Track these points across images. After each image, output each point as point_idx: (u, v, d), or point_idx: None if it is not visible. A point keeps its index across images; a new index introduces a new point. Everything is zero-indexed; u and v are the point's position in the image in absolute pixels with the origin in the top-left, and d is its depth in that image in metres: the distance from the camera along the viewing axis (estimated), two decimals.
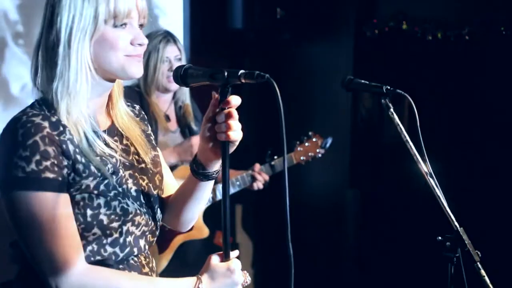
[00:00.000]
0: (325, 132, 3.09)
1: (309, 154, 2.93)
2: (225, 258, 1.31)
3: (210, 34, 3.46)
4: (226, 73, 1.25)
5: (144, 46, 1.33)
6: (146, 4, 1.36)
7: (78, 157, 1.28)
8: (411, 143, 1.84)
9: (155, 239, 1.46)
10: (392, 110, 1.92)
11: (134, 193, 1.37)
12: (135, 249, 1.37)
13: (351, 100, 3.77)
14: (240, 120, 1.30)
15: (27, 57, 2.37)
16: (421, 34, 3.58)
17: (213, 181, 1.47)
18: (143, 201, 1.39)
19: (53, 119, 1.27)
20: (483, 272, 1.64)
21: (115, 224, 1.31)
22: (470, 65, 3.53)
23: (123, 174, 1.35)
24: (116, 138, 1.40)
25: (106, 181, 1.30)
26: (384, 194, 3.80)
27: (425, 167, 1.79)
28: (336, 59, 3.72)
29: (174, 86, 2.73)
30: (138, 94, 2.71)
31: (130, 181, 1.37)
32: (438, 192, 1.76)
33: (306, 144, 2.94)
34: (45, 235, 1.24)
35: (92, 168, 1.29)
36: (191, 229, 2.77)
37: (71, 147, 1.27)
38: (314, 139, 2.95)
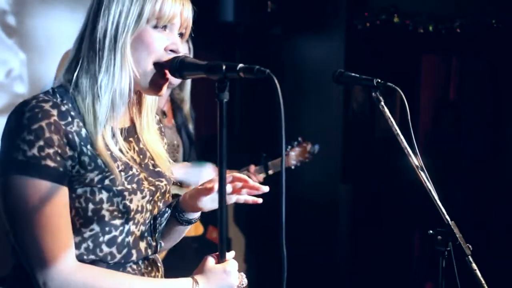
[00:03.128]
0: (317, 126, 3.08)
1: (299, 159, 3.00)
2: (221, 259, 1.28)
3: (201, 27, 3.43)
4: (224, 67, 1.22)
5: (176, 54, 1.30)
6: (191, 15, 1.33)
7: (84, 149, 1.24)
8: (402, 137, 1.83)
9: (158, 244, 1.41)
10: (382, 103, 1.91)
11: (147, 192, 1.33)
12: (134, 251, 1.31)
13: (343, 94, 3.77)
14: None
15: (13, 42, 2.35)
16: (412, 27, 3.58)
17: (188, 227, 1.50)
18: (156, 199, 1.37)
19: (63, 108, 1.23)
20: (474, 265, 1.63)
21: (117, 222, 1.27)
22: (462, 57, 3.53)
23: (136, 173, 1.32)
24: (131, 139, 1.37)
25: (112, 177, 1.25)
26: (377, 188, 3.80)
27: (416, 161, 1.78)
28: (327, 52, 3.71)
29: (176, 81, 2.75)
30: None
31: (145, 182, 1.34)
32: (429, 185, 1.75)
33: (297, 149, 3.00)
34: (35, 226, 1.19)
35: (99, 161, 1.24)
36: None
37: (77, 139, 1.23)
38: (304, 145, 3.01)
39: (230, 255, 1.30)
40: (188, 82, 2.78)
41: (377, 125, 3.82)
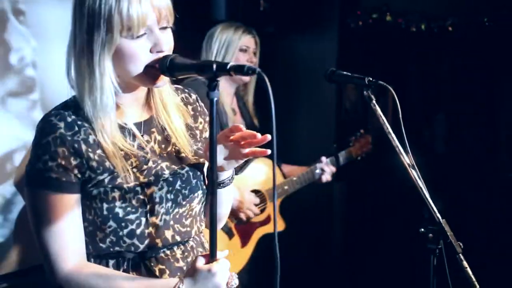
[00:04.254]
0: (310, 124, 3.08)
1: (364, 149, 3.07)
2: (211, 258, 1.28)
3: (194, 26, 3.43)
4: (215, 66, 1.22)
5: (165, 52, 1.29)
6: (166, 3, 1.30)
7: (91, 155, 1.31)
8: (393, 135, 1.84)
9: (194, 229, 1.44)
10: (374, 101, 1.91)
11: (164, 183, 1.37)
12: (158, 240, 1.37)
13: (336, 93, 3.77)
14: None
15: (25, 28, 2.36)
16: (405, 25, 3.59)
17: (228, 188, 1.48)
18: (178, 188, 1.39)
19: (69, 119, 1.31)
20: (465, 263, 1.64)
21: (132, 216, 1.33)
22: (454, 56, 3.54)
23: (153, 165, 1.36)
24: (153, 129, 1.40)
25: (123, 175, 1.32)
26: (370, 186, 3.81)
27: (407, 159, 1.78)
28: (320, 51, 3.71)
29: (247, 78, 2.73)
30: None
31: (166, 171, 1.37)
32: (421, 183, 1.76)
33: (361, 139, 3.07)
34: (41, 231, 1.32)
35: (107, 164, 1.31)
36: (269, 221, 2.79)
37: (83, 147, 1.30)
38: (366, 135, 3.09)
39: (222, 254, 1.30)
40: (253, 79, 2.77)
41: (370, 123, 3.82)
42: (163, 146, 1.41)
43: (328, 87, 3.53)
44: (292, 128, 3.72)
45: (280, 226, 2.87)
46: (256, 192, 2.77)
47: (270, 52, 3.83)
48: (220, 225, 1.60)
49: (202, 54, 2.77)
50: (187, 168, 1.42)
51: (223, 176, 1.45)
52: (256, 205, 2.71)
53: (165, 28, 1.31)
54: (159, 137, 1.41)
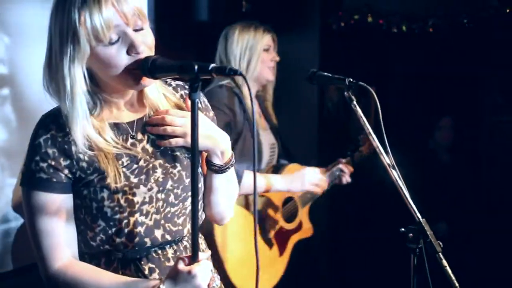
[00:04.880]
0: (292, 125, 3.08)
1: (372, 147, 3.03)
2: (192, 260, 1.28)
3: (176, 26, 3.42)
4: (196, 67, 1.22)
5: (143, 53, 1.29)
6: (134, 2, 1.29)
7: (81, 156, 1.34)
8: (373, 136, 1.85)
9: (186, 228, 1.43)
10: (355, 102, 1.92)
11: (153, 184, 1.38)
12: (147, 240, 1.38)
13: (318, 94, 3.78)
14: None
15: None
16: (386, 26, 3.61)
17: (228, 175, 1.48)
18: (169, 187, 1.39)
19: (61, 121, 1.34)
20: (444, 262, 1.66)
21: (119, 216, 1.35)
22: (434, 56, 3.57)
23: (144, 164, 1.37)
24: (147, 128, 1.41)
25: (112, 174, 1.33)
26: (353, 187, 3.82)
27: (387, 159, 1.80)
28: (302, 52, 3.72)
29: (272, 77, 2.70)
30: (235, 94, 2.55)
31: (158, 170, 1.39)
32: (401, 183, 1.77)
33: (369, 139, 3.04)
34: (32, 229, 1.36)
35: (96, 164, 1.33)
36: (301, 228, 2.76)
37: (73, 148, 1.33)
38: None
39: (204, 255, 1.30)
40: (274, 76, 2.73)
41: (352, 124, 3.84)
42: (156, 144, 1.41)
43: (310, 88, 3.54)
44: None
45: (309, 231, 2.85)
46: (288, 199, 2.73)
47: None
48: (224, 217, 1.57)
49: (219, 57, 2.68)
50: (179, 168, 1.42)
51: (217, 160, 1.44)
52: (289, 218, 2.68)
53: (140, 29, 1.31)
54: (152, 136, 1.41)
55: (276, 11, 3.77)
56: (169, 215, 1.41)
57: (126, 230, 1.36)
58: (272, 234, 2.64)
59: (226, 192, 1.52)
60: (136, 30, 1.30)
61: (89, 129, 1.33)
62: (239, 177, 2.31)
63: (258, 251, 1.18)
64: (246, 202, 2.54)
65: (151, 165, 1.38)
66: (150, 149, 1.40)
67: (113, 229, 1.36)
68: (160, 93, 1.43)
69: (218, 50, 2.69)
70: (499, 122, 3.79)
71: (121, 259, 1.40)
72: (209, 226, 2.38)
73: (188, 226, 1.45)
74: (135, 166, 1.37)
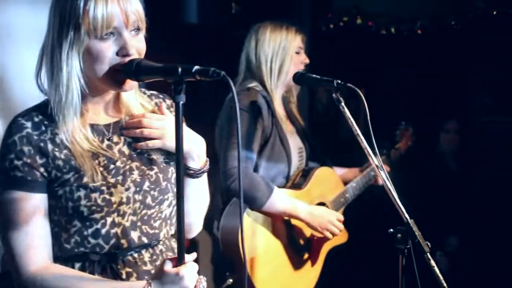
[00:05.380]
0: None
1: (409, 142, 2.98)
2: (178, 262, 1.28)
3: (165, 29, 3.42)
4: (180, 69, 1.23)
5: (131, 57, 1.30)
6: (137, 7, 1.31)
7: (57, 154, 1.32)
8: (362, 137, 1.86)
9: (163, 232, 1.43)
10: (343, 104, 1.94)
11: (131, 183, 1.37)
12: (124, 241, 1.36)
13: (308, 96, 3.79)
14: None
15: None
16: (375, 28, 3.63)
17: (202, 181, 1.47)
18: (146, 189, 1.39)
19: (36, 119, 1.33)
20: (432, 262, 1.67)
21: (96, 216, 1.32)
22: (423, 58, 3.59)
23: (121, 165, 1.37)
24: (122, 131, 1.41)
25: (89, 174, 1.32)
26: None
27: (375, 160, 1.81)
28: None
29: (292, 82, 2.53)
30: (263, 97, 2.43)
31: (135, 172, 1.38)
32: (389, 184, 1.78)
33: (405, 133, 2.97)
34: (6, 231, 1.31)
35: (73, 162, 1.31)
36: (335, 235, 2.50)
37: (50, 146, 1.31)
38: (408, 127, 2.98)
39: (190, 257, 1.30)
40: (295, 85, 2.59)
41: (342, 126, 3.86)
42: (133, 147, 1.41)
43: (300, 90, 3.55)
44: None
45: (344, 237, 2.68)
46: (320, 205, 2.55)
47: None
48: (193, 229, 1.56)
49: (246, 57, 2.56)
50: (156, 170, 1.42)
51: (191, 164, 1.44)
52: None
53: (136, 33, 1.32)
54: (129, 139, 1.41)
55: (266, 13, 3.77)
56: (145, 217, 1.40)
57: (102, 231, 1.34)
58: (302, 242, 2.49)
59: (198, 200, 1.51)
60: (132, 32, 1.31)
61: (76, 124, 1.33)
62: (270, 191, 2.26)
63: (246, 256, 1.18)
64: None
65: (128, 166, 1.38)
66: (126, 151, 1.40)
67: (89, 230, 1.33)
68: (137, 101, 1.44)
69: (245, 49, 2.57)
70: (487, 122, 3.81)
71: (97, 263, 1.37)
72: (235, 237, 2.27)
73: (164, 230, 1.44)
74: (112, 166, 1.36)
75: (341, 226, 2.44)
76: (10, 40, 2.34)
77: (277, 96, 2.51)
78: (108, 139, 1.39)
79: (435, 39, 3.51)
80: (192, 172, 1.44)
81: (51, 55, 1.31)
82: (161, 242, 1.45)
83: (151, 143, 1.40)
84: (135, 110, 1.43)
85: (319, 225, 2.38)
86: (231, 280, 1.34)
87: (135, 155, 1.40)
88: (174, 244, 1.51)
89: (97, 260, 1.36)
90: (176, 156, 1.23)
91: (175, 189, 1.46)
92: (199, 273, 1.34)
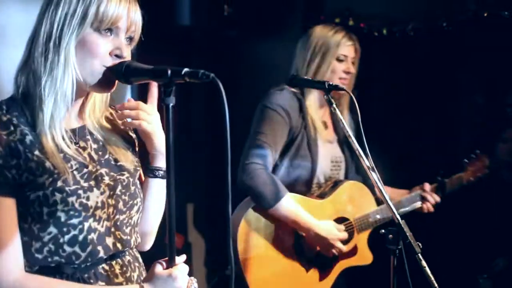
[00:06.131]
0: None
1: (477, 174, 2.75)
2: (169, 263, 1.28)
3: (157, 31, 3.41)
4: (169, 72, 1.23)
5: (122, 59, 1.31)
6: (139, 18, 1.35)
7: (29, 155, 1.26)
8: (353, 138, 1.87)
9: (132, 238, 1.41)
10: (334, 105, 1.94)
11: (105, 187, 1.35)
12: (100, 248, 1.33)
13: None
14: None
15: None
16: (367, 30, 3.63)
17: (161, 184, 1.48)
18: (118, 193, 1.38)
19: (4, 118, 1.27)
20: (424, 263, 1.68)
21: (74, 221, 1.28)
22: (415, 60, 3.61)
23: (93, 170, 1.35)
24: (88, 137, 1.39)
25: (64, 177, 1.28)
26: None
27: (367, 162, 1.81)
28: (284, 55, 3.73)
29: (346, 88, 2.44)
30: (298, 99, 2.40)
31: (106, 177, 1.36)
32: (380, 185, 1.79)
33: (476, 163, 2.75)
34: None
35: (47, 165, 1.27)
36: (355, 254, 2.48)
37: (20, 147, 1.26)
38: (482, 158, 2.76)
39: (180, 259, 1.31)
40: (348, 90, 2.53)
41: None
42: (100, 153, 1.40)
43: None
44: None
45: (368, 259, 2.58)
46: (342, 220, 2.48)
47: (234, 57, 3.84)
48: (148, 242, 1.55)
49: (295, 56, 2.54)
50: (127, 175, 1.42)
51: (154, 162, 1.47)
52: (342, 241, 2.42)
53: (128, 42, 1.35)
54: (94, 145, 1.40)
55: (258, 15, 3.78)
56: (118, 223, 1.38)
57: (80, 237, 1.29)
58: (311, 254, 2.43)
59: (159, 205, 1.51)
60: (126, 41, 1.34)
61: (58, 124, 1.30)
62: (280, 196, 2.27)
63: (239, 256, 1.18)
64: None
65: (99, 172, 1.36)
66: (95, 156, 1.39)
67: (66, 237, 1.27)
68: (103, 112, 1.45)
69: (297, 48, 2.54)
70: (479, 124, 3.82)
71: (70, 277, 1.31)
72: (235, 226, 2.29)
73: (133, 237, 1.43)
74: (85, 170, 1.34)
75: (341, 248, 2.39)
76: (3, 40, 2.34)
77: (313, 101, 2.43)
78: (76, 143, 1.36)
79: (427, 40, 3.52)
80: (162, 172, 1.46)
81: (47, 43, 1.27)
82: (127, 253, 1.43)
83: (130, 123, 1.43)
84: (99, 118, 1.43)
85: (319, 242, 2.37)
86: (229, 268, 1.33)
87: (102, 161, 1.39)
88: (137, 253, 1.49)
89: (70, 274, 1.31)
90: (166, 156, 1.23)
91: (141, 195, 1.45)
92: (191, 274, 1.34)
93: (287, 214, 2.31)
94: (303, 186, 2.45)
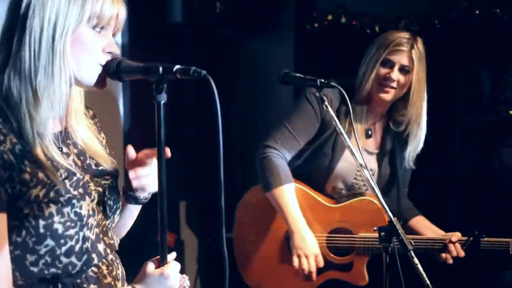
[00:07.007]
0: (267, 127, 3.07)
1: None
2: (161, 262, 1.27)
3: (149, 28, 3.40)
4: (161, 69, 1.22)
5: (114, 55, 1.30)
6: (125, 17, 1.34)
7: (22, 166, 1.20)
8: (345, 135, 1.87)
9: (115, 241, 1.41)
10: (326, 102, 1.94)
11: (94, 194, 1.33)
12: (94, 255, 1.31)
13: (293, 95, 3.80)
14: None
15: None
16: (359, 27, 3.63)
17: (139, 207, 1.49)
18: (105, 199, 1.36)
19: None
20: (416, 260, 1.68)
21: (71, 232, 1.25)
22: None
23: (81, 177, 1.30)
24: (68, 141, 1.34)
25: (56, 187, 1.22)
26: None
27: (359, 159, 1.81)
28: (277, 53, 3.73)
29: (387, 97, 2.29)
30: (343, 99, 2.07)
31: (91, 184, 1.33)
32: (372, 183, 1.79)
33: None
34: None
35: (40, 175, 1.21)
36: (349, 269, 2.35)
37: (12, 158, 1.18)
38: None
39: (171, 257, 1.30)
40: (419, 98, 2.33)
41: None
42: (81, 158, 1.36)
43: (286, 89, 3.55)
44: (249, 130, 3.73)
45: (362, 281, 2.40)
46: (344, 230, 2.38)
47: (226, 55, 3.84)
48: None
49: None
50: (110, 179, 1.40)
51: (142, 194, 1.47)
52: (336, 254, 2.36)
53: (113, 35, 1.34)
54: (75, 150, 1.35)
55: (250, 12, 3.78)
56: (104, 228, 1.37)
57: (76, 247, 1.26)
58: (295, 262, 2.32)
59: (130, 223, 1.53)
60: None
61: (50, 129, 1.26)
62: (281, 183, 2.30)
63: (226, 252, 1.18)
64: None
65: (85, 178, 1.32)
66: (78, 162, 1.34)
67: (63, 248, 1.23)
68: (82, 111, 1.40)
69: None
70: (470, 121, 3.84)
71: (65, 286, 1.28)
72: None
73: (115, 239, 1.42)
74: (74, 178, 1.28)
75: (312, 268, 2.27)
76: None
77: (358, 105, 2.32)
78: (60, 149, 1.30)
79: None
80: (141, 200, 1.47)
81: (41, 39, 1.20)
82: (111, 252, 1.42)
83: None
84: (79, 120, 1.38)
85: (295, 248, 2.29)
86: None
87: (85, 167, 1.35)
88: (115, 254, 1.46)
89: (66, 283, 1.28)
90: (158, 154, 1.22)
91: (118, 204, 1.43)
92: (183, 272, 1.34)
93: (278, 203, 2.34)
94: (316, 183, 2.44)
